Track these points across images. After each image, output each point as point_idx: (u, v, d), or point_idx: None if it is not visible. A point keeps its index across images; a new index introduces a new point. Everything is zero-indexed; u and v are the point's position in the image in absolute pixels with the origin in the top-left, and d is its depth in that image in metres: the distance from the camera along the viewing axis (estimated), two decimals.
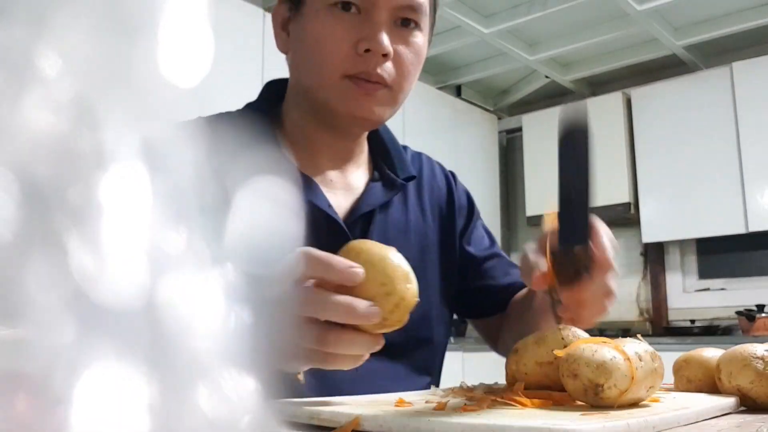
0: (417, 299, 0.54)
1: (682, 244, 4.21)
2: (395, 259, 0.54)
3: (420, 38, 0.82)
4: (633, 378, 0.53)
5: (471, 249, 0.98)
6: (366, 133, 0.92)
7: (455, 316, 1.01)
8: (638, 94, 4.14)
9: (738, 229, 3.69)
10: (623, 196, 4.05)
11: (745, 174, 3.68)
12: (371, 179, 0.91)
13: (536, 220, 4.41)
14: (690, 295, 4.16)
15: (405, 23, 0.80)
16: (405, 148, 0.99)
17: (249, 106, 0.91)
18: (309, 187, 0.82)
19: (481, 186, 4.46)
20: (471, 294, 0.98)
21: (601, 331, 3.73)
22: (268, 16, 3.25)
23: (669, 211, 3.94)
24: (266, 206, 0.79)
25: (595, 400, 0.53)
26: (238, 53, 3.06)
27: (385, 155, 0.93)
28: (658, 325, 4.13)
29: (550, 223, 0.68)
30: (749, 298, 3.79)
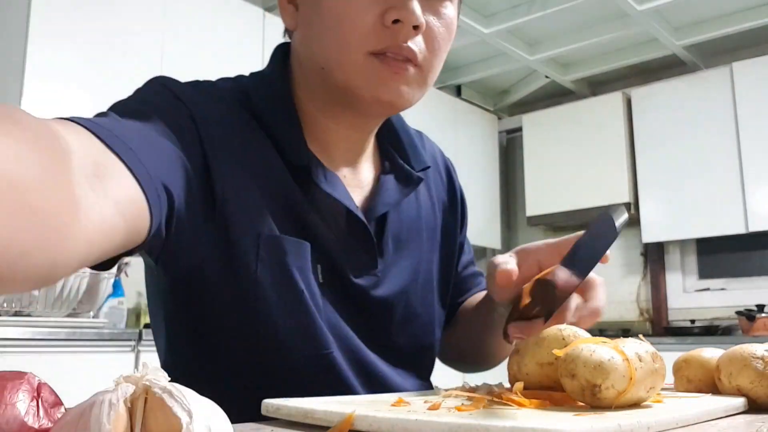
0: None
1: (682, 244, 4.20)
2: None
3: (451, 9, 0.72)
4: (632, 379, 0.52)
5: (462, 258, 0.95)
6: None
7: None
8: (638, 94, 4.14)
9: (738, 229, 3.69)
10: (623, 196, 4.05)
11: (745, 174, 3.68)
12: (381, 171, 0.82)
13: (536, 220, 4.42)
14: (690, 295, 4.16)
15: None
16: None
17: (265, 83, 0.78)
18: (333, 184, 0.74)
19: (481, 186, 4.46)
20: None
21: (601, 331, 3.73)
22: (269, 16, 3.25)
23: (669, 211, 3.94)
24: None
25: (593, 400, 0.53)
26: (238, 53, 3.06)
27: (396, 143, 0.84)
28: (658, 325, 4.13)
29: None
30: (749, 298, 3.79)
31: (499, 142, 4.80)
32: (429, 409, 0.53)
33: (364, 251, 0.77)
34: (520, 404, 0.55)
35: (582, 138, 4.25)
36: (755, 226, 3.63)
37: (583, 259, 0.66)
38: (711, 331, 3.76)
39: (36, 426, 0.41)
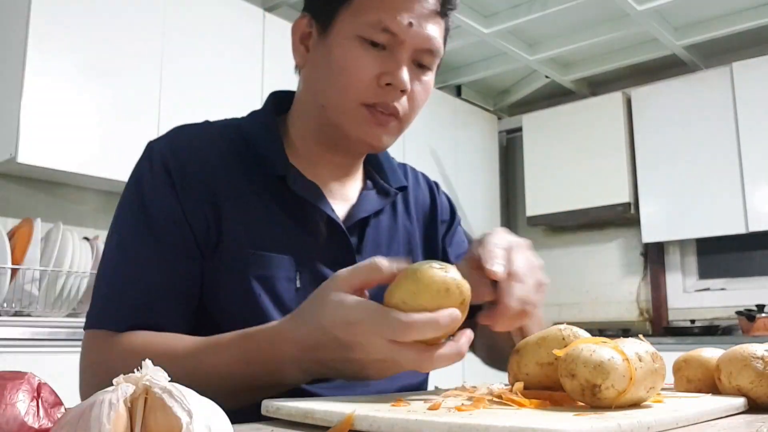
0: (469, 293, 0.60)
1: (682, 244, 4.20)
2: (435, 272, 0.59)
3: (431, 77, 0.89)
4: (632, 379, 0.52)
5: (450, 251, 1.03)
6: None
7: None
8: (638, 94, 4.14)
9: (738, 229, 3.68)
10: (623, 196, 4.05)
11: (745, 174, 3.68)
12: (364, 188, 0.96)
13: (536, 220, 4.42)
14: (690, 295, 4.16)
15: (420, 65, 0.86)
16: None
17: (254, 115, 0.94)
18: (315, 193, 0.87)
19: (481, 186, 4.46)
20: None
21: (601, 331, 3.73)
22: (268, 16, 3.25)
23: (669, 211, 3.94)
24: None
25: (593, 400, 0.53)
26: (238, 53, 3.06)
27: (378, 167, 0.99)
28: (658, 325, 4.13)
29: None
30: (749, 298, 3.79)
31: (499, 142, 4.80)
32: (429, 409, 0.53)
33: (343, 249, 0.88)
34: (520, 404, 0.55)
35: (582, 138, 4.25)
36: (755, 226, 3.63)
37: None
38: (711, 331, 3.76)
39: (36, 426, 0.41)
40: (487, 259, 0.67)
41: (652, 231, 4.00)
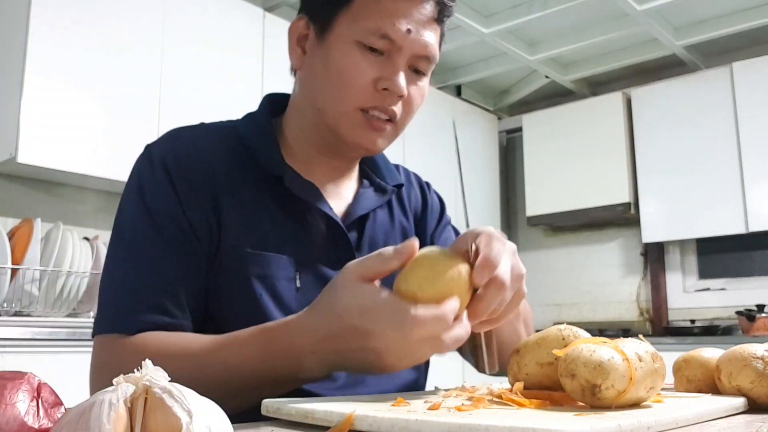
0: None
1: (682, 244, 4.20)
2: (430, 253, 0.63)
3: (426, 83, 0.90)
4: (632, 379, 0.52)
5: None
6: None
7: None
8: (638, 94, 4.14)
9: (738, 229, 3.68)
10: (623, 196, 4.05)
11: (745, 174, 3.68)
12: (361, 187, 0.98)
13: (536, 220, 4.42)
14: (690, 295, 4.16)
15: (416, 70, 0.87)
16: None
17: (250, 117, 0.95)
18: (312, 192, 0.88)
19: (481, 186, 4.46)
20: None
21: (601, 331, 3.73)
22: (269, 16, 3.25)
23: (669, 211, 3.94)
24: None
25: (593, 400, 0.53)
26: (238, 53, 3.06)
27: (374, 166, 1.01)
28: (658, 325, 4.13)
29: None
30: (749, 298, 3.79)
31: (499, 142, 4.80)
32: (429, 409, 0.53)
33: (342, 248, 0.89)
34: (520, 404, 0.55)
35: (582, 138, 4.25)
36: (755, 226, 3.63)
37: None
38: (711, 331, 3.76)
39: (36, 426, 0.41)
40: (477, 268, 0.64)
41: (652, 231, 4.00)
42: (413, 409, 0.53)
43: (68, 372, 2.11)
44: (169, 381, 0.36)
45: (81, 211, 2.85)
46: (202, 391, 0.69)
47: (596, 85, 4.64)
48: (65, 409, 0.43)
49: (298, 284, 0.84)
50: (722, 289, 4.03)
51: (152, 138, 0.91)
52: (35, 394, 0.42)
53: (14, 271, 2.31)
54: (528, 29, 3.84)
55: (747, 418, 0.57)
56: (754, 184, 3.65)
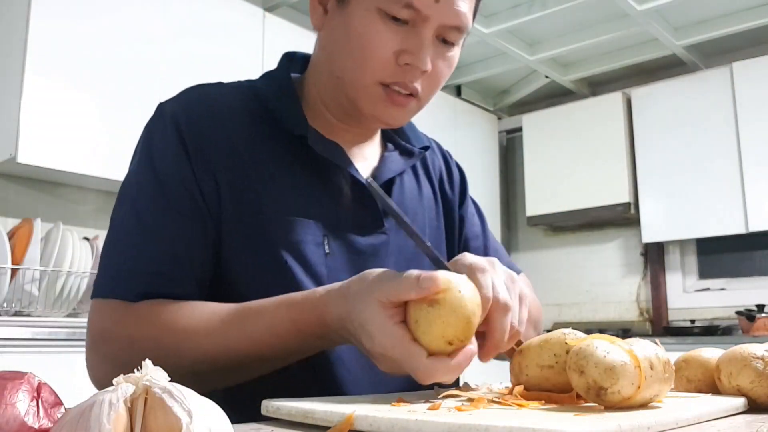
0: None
1: (682, 244, 4.20)
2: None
3: (456, 53, 0.82)
4: (639, 387, 0.52)
5: (466, 224, 1.01)
6: None
7: None
8: (638, 94, 4.14)
9: (738, 229, 3.68)
10: (623, 196, 4.05)
11: (745, 174, 3.68)
12: (385, 150, 0.93)
13: (536, 220, 4.42)
14: (690, 295, 4.16)
15: (444, 40, 0.79)
16: None
17: (269, 76, 0.90)
18: (337, 152, 0.83)
19: (481, 186, 4.46)
20: None
21: (601, 331, 3.73)
22: (269, 16, 3.25)
23: (669, 211, 3.94)
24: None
25: (596, 400, 0.53)
26: (238, 53, 3.06)
27: (398, 129, 0.95)
28: (658, 325, 4.13)
29: None
30: (749, 298, 3.78)
31: (499, 142, 4.80)
32: (429, 409, 0.53)
33: (369, 213, 0.85)
34: (519, 405, 0.55)
35: (582, 138, 4.25)
36: (755, 226, 3.63)
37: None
38: (711, 331, 3.76)
39: (36, 426, 0.41)
40: (491, 314, 0.63)
41: (652, 231, 4.00)
42: (413, 409, 0.53)
43: (68, 372, 2.11)
44: (169, 380, 0.36)
45: (81, 211, 2.85)
46: (225, 362, 0.68)
47: (596, 85, 4.64)
48: (65, 409, 0.43)
49: (327, 249, 0.80)
50: (722, 289, 4.03)
51: None
52: (35, 394, 0.42)
53: (14, 271, 2.31)
54: (528, 29, 3.84)
55: (747, 418, 0.57)
56: (754, 184, 3.65)
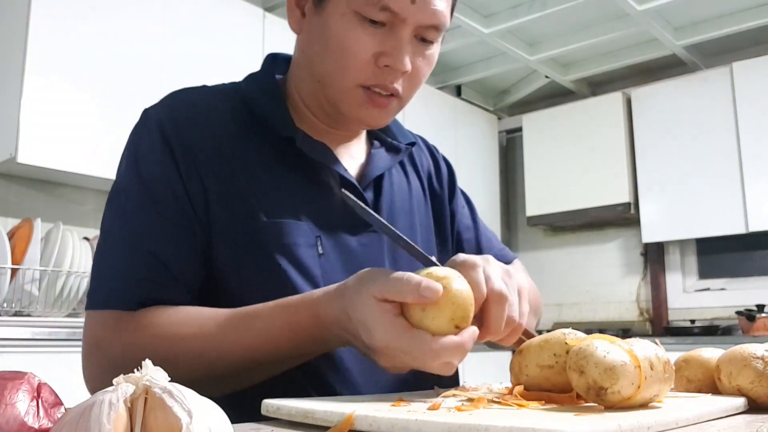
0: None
1: (682, 244, 4.20)
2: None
3: (435, 50, 0.82)
4: (639, 387, 0.52)
5: (457, 218, 1.02)
6: None
7: None
8: (638, 94, 4.14)
9: (738, 229, 3.68)
10: (623, 196, 4.05)
11: (745, 174, 3.68)
12: (372, 147, 0.93)
13: (536, 220, 4.42)
14: (690, 295, 4.16)
15: (423, 39, 0.80)
16: None
17: (254, 78, 0.90)
18: (325, 153, 0.83)
19: (481, 186, 4.46)
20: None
21: (601, 331, 3.73)
22: (269, 16, 3.24)
23: (669, 211, 3.94)
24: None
25: (596, 400, 0.53)
26: (238, 53, 3.06)
27: (384, 127, 0.94)
28: (658, 325, 4.13)
29: None
30: (749, 298, 3.78)
31: (499, 142, 4.80)
32: (429, 409, 0.53)
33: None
34: (519, 405, 0.55)
35: (582, 138, 4.25)
36: (755, 226, 3.63)
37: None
38: (711, 331, 3.76)
39: (36, 426, 0.41)
40: (487, 303, 0.64)
41: (652, 231, 4.00)
42: (413, 409, 0.53)
43: (68, 372, 2.11)
44: (169, 381, 0.36)
45: (81, 211, 2.85)
46: (222, 368, 0.70)
47: (596, 85, 4.64)
48: (65, 409, 0.43)
49: (320, 250, 0.80)
50: (722, 289, 4.03)
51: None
52: (35, 394, 0.42)
53: (14, 271, 2.31)
54: (528, 29, 3.84)
55: (747, 418, 0.57)
56: (754, 184, 3.65)
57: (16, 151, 2.37)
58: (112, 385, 0.36)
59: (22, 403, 0.41)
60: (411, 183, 0.96)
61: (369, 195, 0.87)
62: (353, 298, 0.63)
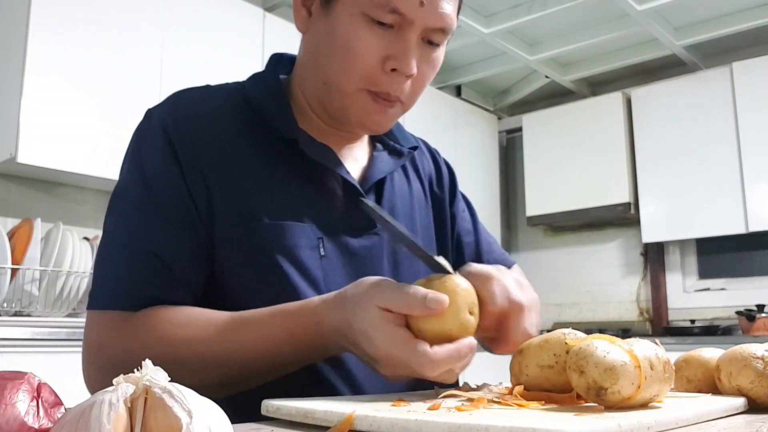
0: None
1: (682, 244, 4.20)
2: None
3: (441, 54, 0.82)
4: (639, 387, 0.52)
5: (458, 221, 1.02)
6: None
7: None
8: (638, 94, 4.14)
9: (738, 229, 3.68)
10: (623, 196, 4.05)
11: (745, 174, 3.68)
12: (374, 150, 0.93)
13: (536, 220, 4.42)
14: (690, 295, 4.16)
15: (430, 42, 0.79)
16: None
17: (257, 78, 0.90)
18: (328, 155, 0.83)
19: (481, 186, 4.46)
20: None
21: (601, 331, 3.73)
22: (269, 16, 3.24)
23: (669, 211, 3.94)
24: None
25: (596, 400, 0.53)
26: (238, 53, 3.06)
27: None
28: (658, 325, 4.13)
29: None
30: (749, 298, 3.78)
31: (499, 142, 4.80)
32: (429, 409, 0.53)
33: (362, 215, 0.83)
34: (519, 405, 0.55)
35: (582, 138, 4.25)
36: (755, 226, 3.63)
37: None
38: (711, 331, 3.76)
39: (36, 426, 0.41)
40: (509, 315, 0.67)
41: (652, 231, 4.00)
42: (413, 409, 0.53)
43: (68, 372, 2.11)
44: (169, 381, 0.36)
45: (81, 211, 2.85)
46: (222, 371, 0.71)
47: (596, 85, 4.64)
48: (65, 409, 0.43)
49: (322, 252, 0.80)
50: (722, 289, 4.03)
51: None
52: (35, 394, 0.42)
53: (14, 271, 2.31)
54: (528, 29, 3.84)
55: (747, 418, 0.57)
56: (754, 184, 3.65)
57: (16, 151, 2.37)
58: (112, 385, 0.36)
59: (22, 403, 0.41)
60: (412, 186, 0.96)
61: (371, 198, 0.88)
62: (355, 308, 0.63)
